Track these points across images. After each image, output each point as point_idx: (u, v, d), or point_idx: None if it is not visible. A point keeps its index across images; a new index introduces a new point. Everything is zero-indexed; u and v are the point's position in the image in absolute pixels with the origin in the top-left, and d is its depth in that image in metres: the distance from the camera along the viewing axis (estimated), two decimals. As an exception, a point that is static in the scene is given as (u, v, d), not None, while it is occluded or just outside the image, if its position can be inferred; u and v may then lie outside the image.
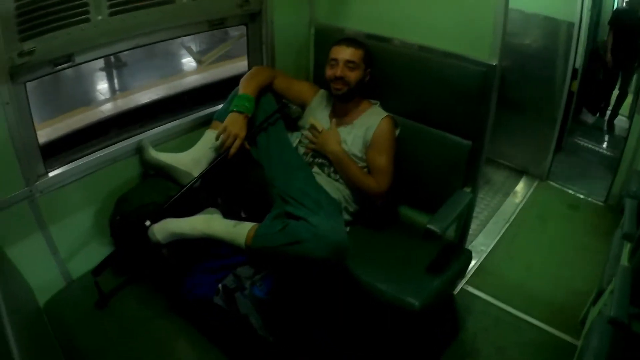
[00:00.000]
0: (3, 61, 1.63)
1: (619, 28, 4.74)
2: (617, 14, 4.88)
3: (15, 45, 1.65)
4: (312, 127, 2.14)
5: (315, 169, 2.16)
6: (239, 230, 1.89)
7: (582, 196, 3.37)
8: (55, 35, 1.73)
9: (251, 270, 1.87)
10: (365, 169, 2.15)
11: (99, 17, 1.81)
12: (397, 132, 2.15)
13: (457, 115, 2.07)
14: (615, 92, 5.23)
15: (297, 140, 2.26)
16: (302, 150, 2.23)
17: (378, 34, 2.23)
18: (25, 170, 1.81)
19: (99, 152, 2.04)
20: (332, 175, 2.15)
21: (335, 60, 2.12)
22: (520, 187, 3.36)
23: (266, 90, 2.21)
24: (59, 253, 1.98)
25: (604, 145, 4.60)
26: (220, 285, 1.82)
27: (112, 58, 3.99)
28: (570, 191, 3.42)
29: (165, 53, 4.30)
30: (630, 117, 3.50)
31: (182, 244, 1.93)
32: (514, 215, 2.99)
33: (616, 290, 1.60)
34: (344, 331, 1.97)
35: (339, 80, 2.11)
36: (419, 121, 2.17)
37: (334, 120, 2.19)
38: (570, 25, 3.19)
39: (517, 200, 3.23)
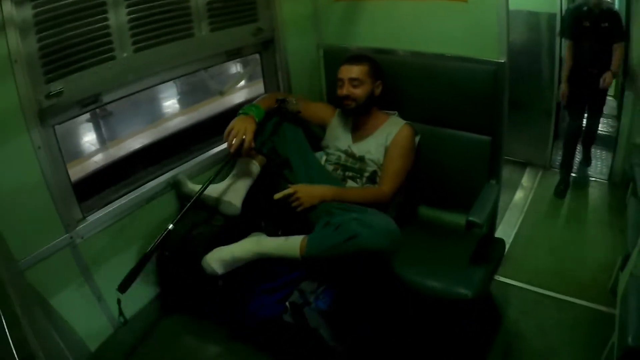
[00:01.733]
0: (31, 104, 1.54)
1: (581, 37, 3.24)
2: (575, 17, 3.24)
3: (42, 87, 1.56)
4: (284, 197, 1.93)
5: (350, 183, 2.10)
6: (291, 243, 1.81)
7: (587, 178, 3.43)
8: (82, 75, 1.65)
9: (314, 284, 1.80)
10: None
11: (125, 54, 1.75)
12: (417, 139, 2.13)
13: (474, 114, 2.08)
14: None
15: (324, 160, 2.21)
16: (330, 168, 2.17)
17: (386, 48, 2.24)
18: (64, 216, 1.69)
19: (134, 192, 1.93)
20: (367, 185, 2.09)
21: (341, 80, 2.11)
22: (526, 178, 3.40)
23: None
24: (104, 299, 1.84)
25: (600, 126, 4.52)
26: (287, 303, 1.73)
27: (97, 109, 3.83)
28: (574, 174, 3.46)
29: (147, 100, 4.21)
30: (620, 97, 3.59)
31: (234, 271, 1.83)
32: (527, 205, 3.01)
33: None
34: (399, 330, 1.92)
35: (346, 98, 2.10)
36: (437, 125, 2.17)
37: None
38: (552, 16, 3.30)
39: (526, 191, 3.26)
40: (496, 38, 1.98)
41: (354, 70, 2.08)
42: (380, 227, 1.70)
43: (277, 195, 1.93)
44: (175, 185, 2.00)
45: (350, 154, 2.15)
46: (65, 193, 1.71)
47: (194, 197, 1.85)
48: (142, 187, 1.96)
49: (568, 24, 3.32)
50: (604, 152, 3.75)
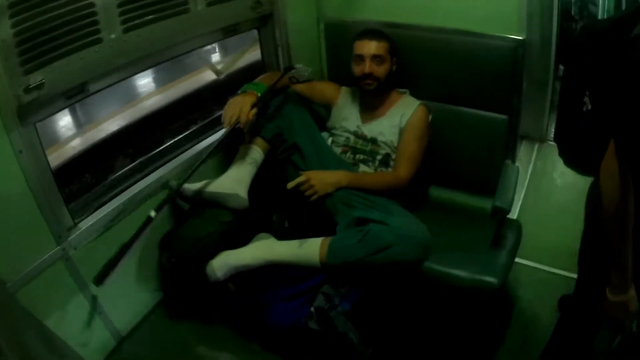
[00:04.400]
0: (9, 100, 1.28)
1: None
2: None
3: (20, 80, 1.30)
4: (296, 185, 1.76)
5: (362, 168, 1.93)
6: (308, 249, 1.63)
7: None
8: (66, 62, 1.39)
9: (337, 286, 1.63)
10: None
11: (113, 35, 1.48)
12: (430, 118, 1.97)
13: (491, 93, 1.95)
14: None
15: (330, 141, 2.03)
16: (338, 150, 1.99)
17: (396, 22, 2.03)
18: (54, 226, 1.46)
19: (124, 193, 1.70)
20: (380, 169, 1.94)
21: (361, 56, 1.90)
22: (522, 152, 3.17)
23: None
24: (104, 311, 1.63)
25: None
26: (313, 309, 1.56)
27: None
28: None
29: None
30: None
31: (248, 274, 1.65)
32: (527, 181, 2.87)
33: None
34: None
35: (368, 77, 1.90)
36: (451, 103, 2.03)
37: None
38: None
39: (525, 165, 3.06)
40: (517, 13, 1.84)
41: (375, 47, 1.89)
42: (413, 236, 1.55)
43: (291, 184, 1.74)
44: (175, 194, 1.74)
45: (360, 136, 1.99)
46: (52, 200, 1.47)
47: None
48: (133, 187, 1.72)
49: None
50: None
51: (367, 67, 1.89)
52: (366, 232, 1.57)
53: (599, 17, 3.27)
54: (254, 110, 1.71)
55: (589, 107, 1.25)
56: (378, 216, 1.61)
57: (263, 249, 1.66)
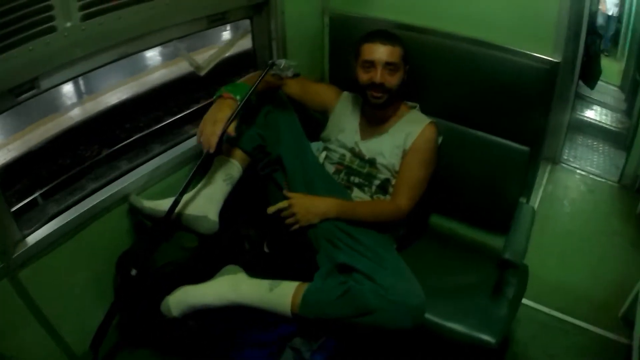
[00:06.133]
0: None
1: None
2: None
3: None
4: (279, 210, 1.56)
5: (356, 192, 1.69)
6: (279, 296, 1.43)
7: (596, 177, 3.10)
8: (13, 54, 1.16)
9: (310, 338, 1.46)
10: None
11: (68, 24, 1.24)
12: (440, 140, 1.73)
13: (514, 119, 1.73)
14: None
15: (323, 156, 1.78)
16: (330, 168, 1.75)
17: (412, 24, 1.78)
18: (-2, 241, 1.26)
19: (84, 202, 1.48)
20: (377, 196, 1.70)
21: (371, 62, 1.61)
22: None
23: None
24: (57, 332, 1.46)
25: (607, 120, 4.09)
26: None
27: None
28: (583, 172, 3.13)
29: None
30: (631, 91, 3.20)
31: (214, 310, 1.45)
32: (536, 206, 2.61)
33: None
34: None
35: (378, 88, 1.62)
36: (465, 124, 1.79)
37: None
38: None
39: (535, 189, 2.70)
40: (554, 31, 1.59)
41: (390, 52, 1.61)
42: (404, 303, 1.35)
43: (271, 209, 1.53)
44: (131, 209, 1.55)
45: (357, 154, 1.73)
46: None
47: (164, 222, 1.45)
48: (93, 196, 1.50)
49: None
50: (612, 150, 3.38)
51: (379, 75, 1.60)
52: (348, 288, 1.36)
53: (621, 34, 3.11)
54: (234, 124, 1.44)
55: None
56: (365, 267, 1.39)
57: (228, 288, 1.45)
